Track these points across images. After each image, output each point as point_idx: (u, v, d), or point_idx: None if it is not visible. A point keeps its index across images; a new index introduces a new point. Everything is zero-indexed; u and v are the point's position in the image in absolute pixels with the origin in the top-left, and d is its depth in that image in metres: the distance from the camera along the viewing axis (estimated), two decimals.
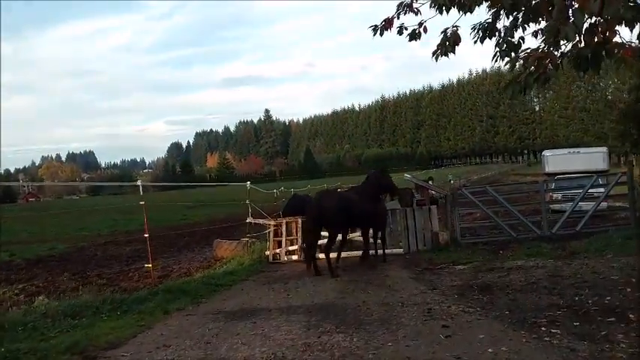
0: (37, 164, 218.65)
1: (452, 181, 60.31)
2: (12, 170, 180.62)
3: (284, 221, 13.56)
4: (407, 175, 13.96)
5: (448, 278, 9.39)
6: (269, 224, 13.67)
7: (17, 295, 10.04)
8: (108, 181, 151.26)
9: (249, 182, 14.47)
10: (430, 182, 17.31)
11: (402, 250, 12.94)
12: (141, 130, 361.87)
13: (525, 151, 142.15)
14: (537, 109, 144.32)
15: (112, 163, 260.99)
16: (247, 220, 13.88)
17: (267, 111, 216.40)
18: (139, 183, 11.45)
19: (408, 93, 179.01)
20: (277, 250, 13.34)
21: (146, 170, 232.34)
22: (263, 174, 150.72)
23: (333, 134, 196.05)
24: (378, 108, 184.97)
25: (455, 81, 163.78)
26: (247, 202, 13.85)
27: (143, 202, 10.53)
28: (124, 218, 37.37)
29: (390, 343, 5.70)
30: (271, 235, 13.51)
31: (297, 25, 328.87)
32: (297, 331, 6.42)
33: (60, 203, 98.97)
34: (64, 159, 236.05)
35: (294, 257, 13.11)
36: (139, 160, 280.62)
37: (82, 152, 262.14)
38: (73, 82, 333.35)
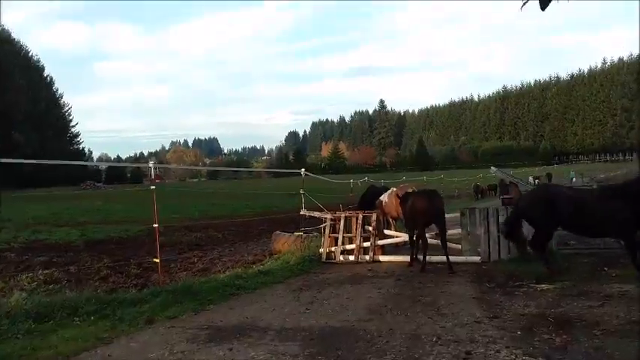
0: (166, 149, 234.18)
1: (573, 179, 54.84)
2: (145, 154, 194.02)
3: (342, 215, 11.83)
4: (493, 168, 11.59)
5: (521, 302, 7.15)
6: (325, 218, 12.01)
7: (30, 282, 9.28)
8: (226, 166, 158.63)
9: (303, 169, 12.89)
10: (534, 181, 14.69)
11: (478, 257, 10.69)
12: (264, 119, 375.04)
13: None
14: None
15: (234, 149, 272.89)
16: (301, 213, 12.30)
17: (381, 101, 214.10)
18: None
19: (532, 83, 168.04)
20: (332, 249, 11.66)
21: (264, 157, 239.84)
22: (373, 164, 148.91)
23: (449, 125, 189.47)
24: (499, 99, 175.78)
25: (586, 71, 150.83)
26: (301, 192, 12.25)
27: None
28: (222, 203, 37.61)
29: None
30: (327, 230, 11.84)
31: (418, 13, 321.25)
32: None
33: (177, 186, 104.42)
34: (190, 144, 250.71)
35: (351, 258, 11.36)
36: (258, 148, 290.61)
37: (207, 138, 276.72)
38: (205, 73, 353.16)
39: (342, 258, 11.44)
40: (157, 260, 8.33)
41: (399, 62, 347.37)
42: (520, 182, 11.20)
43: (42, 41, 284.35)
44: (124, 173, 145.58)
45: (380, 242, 11.60)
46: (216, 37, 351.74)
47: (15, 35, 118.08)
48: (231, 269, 10.74)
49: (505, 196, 11.79)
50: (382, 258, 11.33)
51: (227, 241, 16.10)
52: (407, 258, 11.18)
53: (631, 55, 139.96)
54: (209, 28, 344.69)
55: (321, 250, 11.66)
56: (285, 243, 12.89)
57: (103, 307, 6.83)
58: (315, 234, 12.83)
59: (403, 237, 11.95)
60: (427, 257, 10.95)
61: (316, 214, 12.16)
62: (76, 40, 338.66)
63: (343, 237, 11.71)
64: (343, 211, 12.35)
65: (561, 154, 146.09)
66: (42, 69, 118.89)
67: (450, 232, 11.50)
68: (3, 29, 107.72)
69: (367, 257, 11.26)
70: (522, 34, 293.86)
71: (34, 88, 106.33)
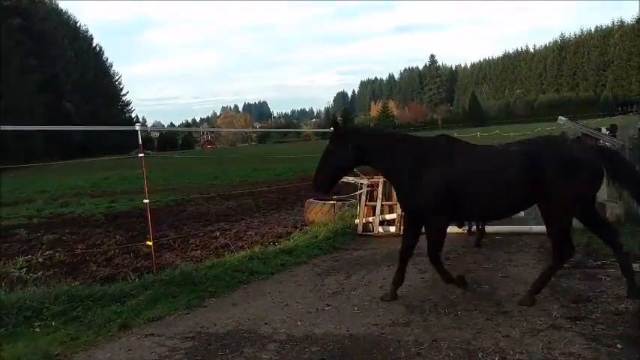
0: (217, 114, 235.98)
1: None
2: (197, 120, 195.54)
3: (380, 180, 10.16)
4: (561, 118, 9.57)
5: (611, 293, 5.39)
6: (361, 183, 10.37)
7: (20, 268, 8.11)
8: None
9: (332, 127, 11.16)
10: (607, 133, 12.49)
11: (542, 226, 8.84)
12: (310, 80, 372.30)
13: None
14: None
15: (283, 112, 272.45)
16: None
17: (432, 56, 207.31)
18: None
19: (592, 30, 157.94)
20: (370, 219, 10.05)
21: (313, 120, 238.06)
22: (424, 122, 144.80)
23: (503, 79, 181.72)
24: (557, 48, 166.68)
25: None
26: None
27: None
28: (264, 167, 36.47)
29: None
30: (363, 198, 10.21)
31: None
32: None
33: (228, 150, 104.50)
34: (240, 109, 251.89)
35: (392, 229, 9.72)
36: (307, 110, 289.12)
37: (257, 103, 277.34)
38: (249, 37, 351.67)
39: (381, 230, 9.83)
40: (150, 243, 6.93)
41: (449, 17, 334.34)
42: (597, 135, 9.18)
43: (91, 12, 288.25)
44: (175, 140, 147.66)
45: None
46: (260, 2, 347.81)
47: (63, 6, 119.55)
48: (253, 246, 9.32)
49: None
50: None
51: (260, 211, 14.70)
52: (457, 229, 9.47)
53: None
54: None
55: (357, 221, 10.07)
56: (319, 212, 11.36)
57: (74, 306, 5.50)
58: (352, 202, 11.26)
59: None
60: (489, 226, 9.24)
61: (350, 179, 10.52)
62: (123, 9, 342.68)
63: (382, 205, 10.08)
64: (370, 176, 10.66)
65: (625, 104, 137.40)
66: (90, 39, 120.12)
67: None
68: (51, 0, 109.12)
69: None
70: None
71: (82, 57, 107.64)
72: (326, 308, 5.43)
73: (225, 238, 10.67)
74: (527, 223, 9.17)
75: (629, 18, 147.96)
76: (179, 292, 6.10)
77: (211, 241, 10.42)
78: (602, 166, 5.12)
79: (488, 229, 9.17)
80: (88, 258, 9.16)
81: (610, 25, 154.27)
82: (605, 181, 8.82)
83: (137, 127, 7.76)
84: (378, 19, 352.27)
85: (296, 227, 11.28)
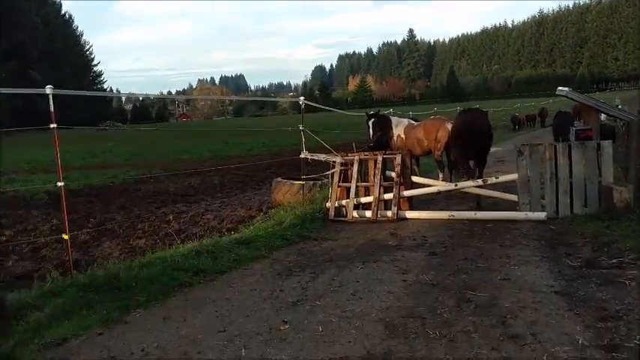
0: (193, 87, 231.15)
1: (619, 107, 50.10)
2: (173, 92, 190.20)
3: (356, 158, 8.91)
4: (562, 89, 8.39)
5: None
6: (333, 161, 9.10)
7: None
8: (253, 103, 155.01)
9: (302, 97, 9.82)
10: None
11: (543, 213, 7.72)
12: (288, 54, 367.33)
13: None
14: None
15: (260, 86, 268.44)
16: (301, 155, 9.34)
17: (410, 31, 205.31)
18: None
19: (570, 6, 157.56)
20: (343, 202, 8.82)
21: (290, 94, 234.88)
22: (402, 97, 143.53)
23: (481, 54, 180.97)
24: (535, 24, 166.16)
25: None
26: (300, 128, 9.23)
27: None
28: (235, 141, 34.97)
29: None
30: (336, 178, 8.95)
31: None
32: None
33: (202, 123, 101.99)
34: (217, 82, 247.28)
35: (368, 214, 8.51)
36: (285, 84, 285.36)
37: (234, 75, 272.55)
38: (226, 7, 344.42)
39: (355, 214, 8.61)
40: (66, 237, 5.57)
41: None
42: (603, 107, 8.03)
43: None
44: (149, 112, 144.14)
45: (406, 193, 8.70)
46: None
47: None
48: (207, 233, 8.04)
49: (580, 128, 8.62)
50: (409, 214, 8.45)
51: (224, 190, 13.38)
52: (442, 214, 8.32)
53: None
54: None
55: (328, 204, 8.83)
56: (287, 193, 10.08)
57: None
58: (325, 181, 10.02)
59: (438, 185, 9.02)
60: (473, 214, 8.11)
61: (322, 156, 9.24)
62: None
63: (357, 186, 8.85)
64: (357, 152, 9.39)
65: (600, 81, 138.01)
66: (59, 5, 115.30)
67: (501, 177, 8.56)
68: None
69: (389, 214, 8.39)
70: None
71: (50, 25, 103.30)
72: (282, 328, 4.19)
73: (179, 223, 9.39)
74: (520, 208, 8.05)
75: None
76: (98, 301, 4.80)
77: (162, 226, 9.13)
78: None
79: (477, 215, 8.04)
80: (11, 248, 7.77)
81: (588, 1, 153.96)
82: (609, 160, 7.77)
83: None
84: None
85: (261, 210, 10.04)
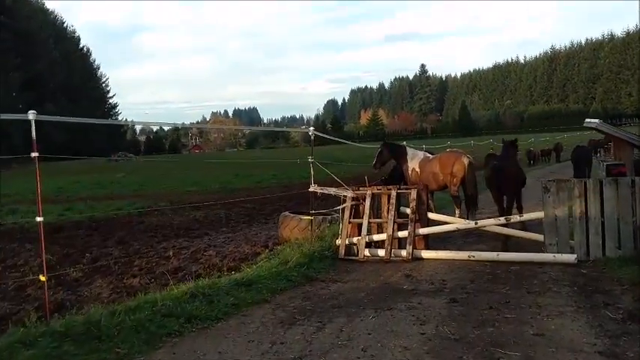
0: (207, 119, 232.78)
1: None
2: (187, 124, 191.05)
3: (368, 192, 8.34)
4: (592, 120, 7.81)
5: None
6: (344, 196, 8.54)
7: None
8: (264, 136, 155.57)
9: (312, 128, 9.29)
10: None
11: (573, 256, 7.06)
12: (302, 88, 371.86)
13: None
14: None
15: (273, 119, 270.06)
16: (310, 189, 8.77)
17: (422, 66, 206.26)
18: None
19: (583, 42, 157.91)
20: (354, 240, 8.22)
21: (303, 127, 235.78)
22: (414, 131, 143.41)
23: (493, 89, 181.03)
24: (547, 60, 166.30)
25: None
26: (310, 159, 8.68)
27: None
28: (245, 174, 34.64)
29: None
30: (346, 213, 8.37)
31: None
32: None
33: (214, 155, 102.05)
34: (230, 115, 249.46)
35: (381, 253, 7.90)
36: (298, 117, 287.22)
37: (247, 109, 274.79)
38: (242, 43, 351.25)
39: (367, 253, 8.00)
40: (43, 279, 5.00)
41: (440, 27, 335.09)
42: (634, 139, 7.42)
43: (84, 15, 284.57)
44: (162, 144, 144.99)
45: (422, 231, 8.08)
46: (252, 9, 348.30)
47: (49, 5, 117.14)
48: (208, 271, 7.45)
49: (612, 163, 8.01)
50: (425, 254, 7.82)
51: (229, 224, 12.82)
52: (461, 254, 7.67)
53: None
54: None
55: (338, 241, 8.23)
56: (295, 228, 9.50)
57: None
58: (335, 216, 9.43)
59: (456, 223, 8.39)
60: (495, 255, 7.47)
61: (332, 190, 8.67)
62: (117, 11, 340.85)
63: (370, 223, 8.25)
64: (370, 186, 8.82)
65: (614, 117, 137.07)
66: (77, 39, 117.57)
67: (525, 215, 7.94)
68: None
69: (404, 253, 7.77)
70: None
71: (68, 58, 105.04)
72: None
73: (179, 260, 8.81)
74: (547, 249, 7.39)
75: (619, 31, 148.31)
76: (73, 354, 4.21)
77: (160, 262, 8.55)
78: None
79: (500, 256, 7.39)
80: None
81: (600, 38, 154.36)
82: (614, 195, 7.09)
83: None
84: (369, 28, 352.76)
85: (267, 246, 9.43)
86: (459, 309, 5.27)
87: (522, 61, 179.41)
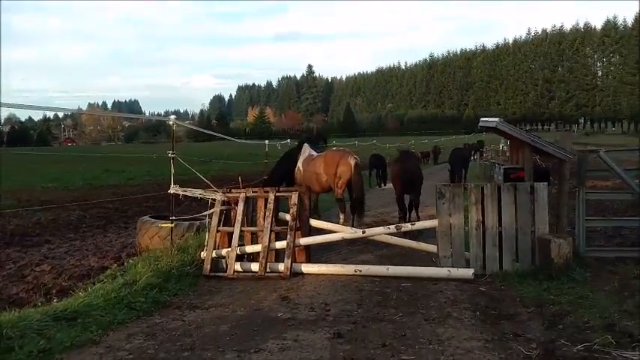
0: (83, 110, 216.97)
1: (503, 147, 52.08)
2: (60, 115, 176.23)
3: (241, 195, 7.05)
4: (490, 119, 7.13)
5: None
6: (212, 199, 7.18)
7: None
8: (145, 130, 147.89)
9: (173, 116, 7.80)
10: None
11: (470, 270, 6.26)
12: (185, 82, 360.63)
13: (581, 120, 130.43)
14: (600, 74, 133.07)
15: (156, 112, 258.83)
16: (170, 191, 7.28)
17: (309, 67, 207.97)
18: None
19: (458, 52, 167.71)
20: (223, 252, 6.89)
21: (187, 122, 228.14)
22: (300, 130, 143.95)
23: (376, 93, 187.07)
24: (426, 67, 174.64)
25: (511, 41, 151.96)
26: (170, 154, 7.18)
27: None
28: (117, 169, 31.88)
29: None
30: (214, 220, 7.02)
31: None
32: None
33: (88, 148, 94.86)
34: (109, 107, 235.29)
35: (254, 267, 6.65)
36: (182, 111, 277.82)
37: (128, 101, 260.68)
38: (127, 31, 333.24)
39: (238, 267, 6.71)
40: None
41: (328, 29, 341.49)
42: (542, 142, 6.79)
43: None
44: (29, 134, 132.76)
45: (303, 241, 6.94)
46: None
47: None
48: (32, 295, 5.78)
49: (510, 166, 7.39)
50: (306, 268, 6.69)
51: (79, 229, 10.90)
52: (346, 269, 6.62)
53: (554, 26, 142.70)
54: None
55: (203, 254, 6.86)
56: (155, 237, 8.00)
57: None
58: (203, 222, 8.02)
59: (342, 232, 7.31)
60: (385, 269, 6.50)
61: (197, 192, 7.26)
62: None
63: (242, 232, 6.97)
64: (244, 187, 7.51)
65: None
66: None
67: (417, 224, 7.10)
68: None
69: (281, 267, 6.58)
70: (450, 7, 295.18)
71: None
72: None
73: (2, 278, 6.95)
74: (441, 262, 6.56)
75: (489, 44, 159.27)
76: None
77: None
78: None
79: (390, 271, 6.44)
80: None
81: (473, 48, 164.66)
82: (544, 206, 6.52)
83: None
84: (259, 25, 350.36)
85: (119, 258, 7.84)
86: (345, 348, 4.15)
87: (404, 67, 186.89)
